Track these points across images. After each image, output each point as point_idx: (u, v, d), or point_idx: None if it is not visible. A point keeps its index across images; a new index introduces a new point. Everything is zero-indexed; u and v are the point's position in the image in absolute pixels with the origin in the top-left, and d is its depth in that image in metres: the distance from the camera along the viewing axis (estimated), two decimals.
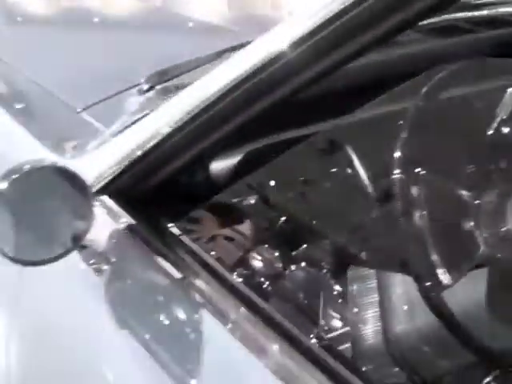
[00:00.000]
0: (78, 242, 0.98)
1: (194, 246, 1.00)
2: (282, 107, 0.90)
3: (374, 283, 1.14)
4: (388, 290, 1.11)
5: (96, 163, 1.07)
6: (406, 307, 1.09)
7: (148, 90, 1.42)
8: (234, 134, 0.96)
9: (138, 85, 1.45)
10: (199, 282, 0.94)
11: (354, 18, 0.80)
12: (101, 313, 1.02)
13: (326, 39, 0.83)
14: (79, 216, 0.98)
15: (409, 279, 1.06)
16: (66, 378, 1.11)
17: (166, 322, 0.98)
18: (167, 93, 1.40)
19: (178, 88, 1.40)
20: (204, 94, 0.95)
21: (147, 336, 0.98)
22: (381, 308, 1.11)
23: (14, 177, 0.93)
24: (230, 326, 0.88)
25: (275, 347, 0.83)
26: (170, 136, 0.98)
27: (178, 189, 1.07)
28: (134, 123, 1.17)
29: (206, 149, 0.99)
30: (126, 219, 1.03)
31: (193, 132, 0.97)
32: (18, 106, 1.45)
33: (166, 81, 1.43)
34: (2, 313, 1.21)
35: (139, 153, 1.01)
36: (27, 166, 0.95)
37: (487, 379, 1.04)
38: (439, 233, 0.95)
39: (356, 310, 1.12)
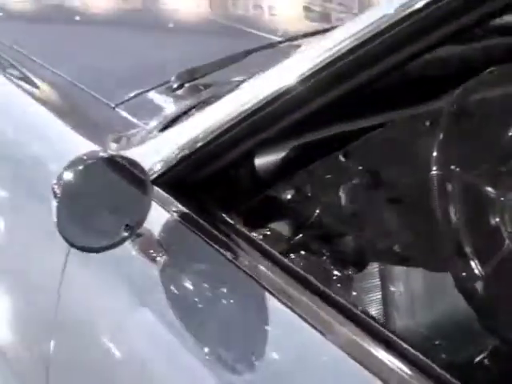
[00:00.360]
0: (134, 231, 1.04)
1: (251, 235, 1.05)
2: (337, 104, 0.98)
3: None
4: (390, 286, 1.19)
5: (145, 156, 1.13)
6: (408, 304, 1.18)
7: (178, 88, 1.50)
8: (287, 131, 1.03)
9: (168, 82, 1.53)
10: (258, 268, 0.98)
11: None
12: (156, 302, 1.09)
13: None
14: (137, 205, 1.04)
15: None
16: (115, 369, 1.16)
17: (226, 311, 1.03)
18: (196, 91, 1.49)
19: (206, 86, 1.50)
20: (260, 92, 1.02)
21: (206, 325, 1.03)
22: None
23: (78, 168, 1.00)
24: (298, 310, 0.92)
25: (342, 327, 0.88)
26: (222, 132, 1.05)
27: (227, 181, 1.13)
28: (178, 118, 1.25)
29: (257, 144, 1.06)
30: (177, 208, 1.10)
31: (246, 128, 1.04)
32: (56, 102, 1.52)
33: (195, 79, 1.51)
34: (51, 301, 1.26)
35: (190, 146, 1.08)
36: (91, 157, 1.02)
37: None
38: (471, 227, 1.04)
39: None
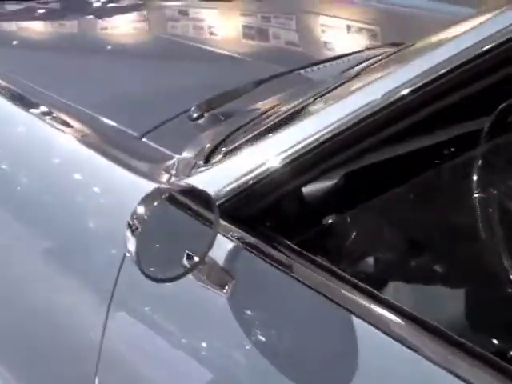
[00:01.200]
0: (202, 259, 1.10)
1: (320, 259, 1.11)
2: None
3: None
4: None
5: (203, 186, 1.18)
6: None
7: (198, 118, 1.56)
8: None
9: (186, 111, 1.58)
10: (332, 292, 1.04)
11: None
12: (227, 330, 1.14)
13: None
14: (204, 233, 1.10)
15: None
16: None
17: (303, 336, 1.08)
18: (215, 119, 1.56)
19: (224, 115, 1.57)
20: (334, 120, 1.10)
21: (281, 350, 1.09)
22: None
23: (154, 204, 1.06)
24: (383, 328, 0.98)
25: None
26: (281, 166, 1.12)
27: (283, 210, 1.20)
28: (217, 147, 1.31)
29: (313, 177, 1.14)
30: (239, 235, 1.15)
31: (304, 163, 1.11)
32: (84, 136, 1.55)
33: (212, 108, 1.57)
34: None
35: (253, 176, 1.14)
36: (165, 192, 1.07)
37: None
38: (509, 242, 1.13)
39: None
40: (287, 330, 1.11)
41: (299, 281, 1.07)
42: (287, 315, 1.11)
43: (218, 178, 1.20)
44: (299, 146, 1.11)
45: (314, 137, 1.11)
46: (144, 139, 1.51)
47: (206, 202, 1.09)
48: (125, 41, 2.25)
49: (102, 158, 1.41)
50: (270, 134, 1.20)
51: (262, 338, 1.11)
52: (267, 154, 1.15)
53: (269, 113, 1.38)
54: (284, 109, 1.32)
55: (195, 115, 1.56)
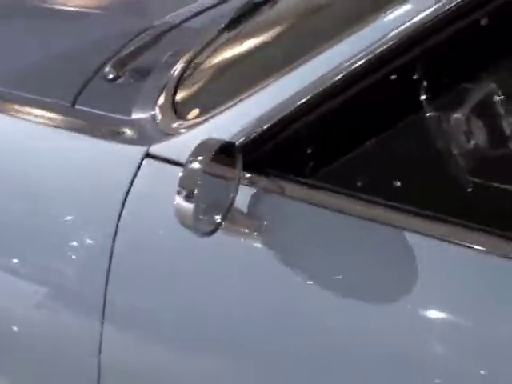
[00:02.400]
0: (226, 213, 1.20)
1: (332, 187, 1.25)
2: None
3: None
4: None
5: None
6: None
7: (116, 78, 1.65)
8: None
9: (97, 71, 1.66)
10: (352, 208, 1.21)
11: None
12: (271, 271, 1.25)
13: None
14: (227, 187, 1.20)
15: None
16: None
17: (340, 254, 1.23)
18: (136, 76, 1.65)
19: (139, 70, 1.65)
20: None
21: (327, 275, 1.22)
22: None
23: (209, 158, 1.15)
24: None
25: None
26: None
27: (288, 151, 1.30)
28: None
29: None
30: (254, 180, 1.26)
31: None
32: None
33: (126, 65, 1.67)
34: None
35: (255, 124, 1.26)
36: (214, 146, 1.16)
37: None
38: None
39: None
40: (326, 253, 1.24)
41: (323, 206, 1.23)
42: (319, 240, 1.25)
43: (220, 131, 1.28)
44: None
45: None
46: (77, 106, 1.57)
47: (231, 156, 1.19)
48: None
49: (64, 131, 1.48)
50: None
51: (305, 267, 1.24)
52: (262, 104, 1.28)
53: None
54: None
55: (111, 76, 1.65)
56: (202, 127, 1.34)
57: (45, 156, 1.47)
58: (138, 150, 1.36)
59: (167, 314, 1.34)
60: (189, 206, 1.12)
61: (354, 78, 1.22)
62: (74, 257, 1.39)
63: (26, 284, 1.46)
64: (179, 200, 1.13)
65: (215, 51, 1.65)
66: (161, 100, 1.49)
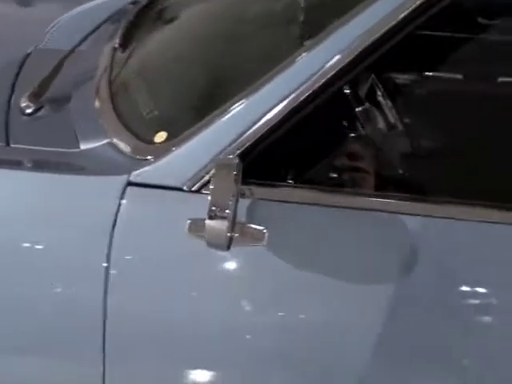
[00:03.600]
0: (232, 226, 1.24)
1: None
2: None
3: None
4: None
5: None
6: None
7: (36, 111, 1.63)
8: None
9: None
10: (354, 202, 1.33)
11: None
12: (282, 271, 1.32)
13: None
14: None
15: None
16: None
17: (347, 248, 1.33)
18: (56, 106, 1.65)
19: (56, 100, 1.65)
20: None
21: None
22: None
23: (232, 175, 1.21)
24: None
25: None
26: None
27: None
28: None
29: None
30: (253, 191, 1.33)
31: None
32: None
33: (42, 96, 1.64)
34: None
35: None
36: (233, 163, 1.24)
37: None
38: None
39: None
40: (334, 250, 1.34)
41: (324, 205, 1.32)
42: (326, 237, 1.34)
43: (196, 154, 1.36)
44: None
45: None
46: (12, 145, 1.54)
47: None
48: None
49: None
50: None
51: (316, 264, 1.33)
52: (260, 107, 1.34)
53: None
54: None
55: (30, 110, 1.63)
56: (182, 149, 1.37)
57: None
58: (118, 180, 1.37)
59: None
60: (222, 226, 1.19)
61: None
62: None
63: None
64: (210, 222, 1.19)
65: (136, 67, 1.68)
66: (110, 126, 1.50)
